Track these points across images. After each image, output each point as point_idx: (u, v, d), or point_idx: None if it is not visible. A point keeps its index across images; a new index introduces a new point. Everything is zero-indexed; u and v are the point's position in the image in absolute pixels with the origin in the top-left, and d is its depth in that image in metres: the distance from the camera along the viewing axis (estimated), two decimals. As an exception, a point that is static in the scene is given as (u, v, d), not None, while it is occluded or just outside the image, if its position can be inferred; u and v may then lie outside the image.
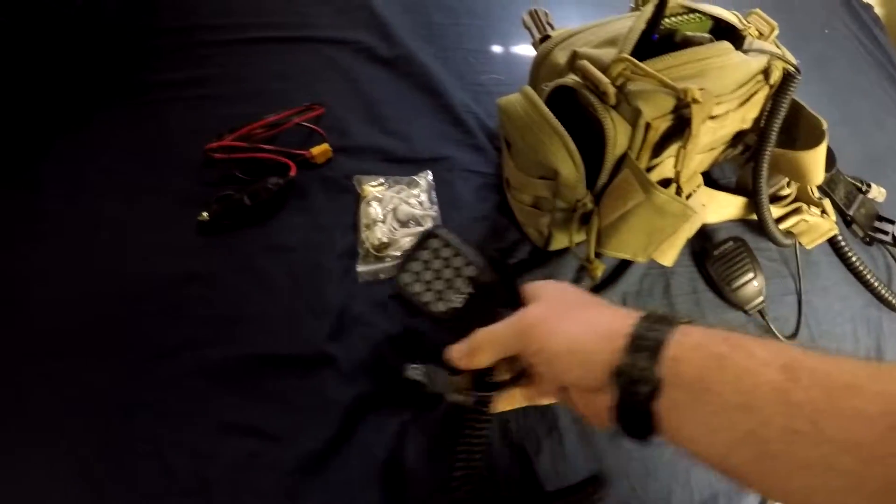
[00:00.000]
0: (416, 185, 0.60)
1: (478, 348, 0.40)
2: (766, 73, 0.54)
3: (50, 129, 0.62)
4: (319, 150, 0.61)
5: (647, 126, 0.47)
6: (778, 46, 0.62)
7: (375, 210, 0.58)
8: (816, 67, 0.94)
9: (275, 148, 0.61)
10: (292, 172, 0.60)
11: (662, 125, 0.48)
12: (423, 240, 0.47)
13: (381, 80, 0.67)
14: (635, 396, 0.31)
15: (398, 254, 0.57)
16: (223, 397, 0.48)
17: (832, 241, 0.76)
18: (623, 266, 0.62)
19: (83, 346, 0.50)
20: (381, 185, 0.60)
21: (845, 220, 0.79)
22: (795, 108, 0.58)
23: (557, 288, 0.42)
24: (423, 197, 0.60)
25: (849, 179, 0.81)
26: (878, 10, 1.10)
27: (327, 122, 0.63)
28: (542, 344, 0.37)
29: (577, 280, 0.60)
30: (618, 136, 0.47)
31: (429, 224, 0.58)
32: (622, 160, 0.50)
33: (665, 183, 0.53)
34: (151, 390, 0.48)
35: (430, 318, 0.44)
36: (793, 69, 0.55)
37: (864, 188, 0.81)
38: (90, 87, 0.65)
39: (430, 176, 0.61)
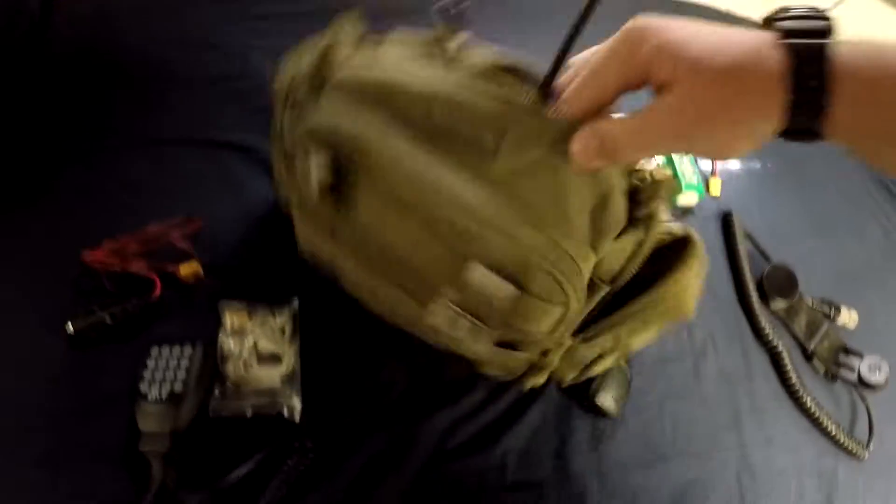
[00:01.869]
0: (282, 314, 0.56)
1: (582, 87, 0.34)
2: None
3: None
4: (188, 269, 0.58)
5: None
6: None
7: (231, 344, 0.54)
8: (790, 166, 0.84)
9: (144, 264, 0.58)
10: (156, 293, 0.57)
11: None
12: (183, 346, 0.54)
13: (268, 191, 0.63)
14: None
15: (257, 391, 0.53)
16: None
17: (785, 383, 0.68)
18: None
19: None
20: (244, 313, 0.55)
21: (805, 354, 0.70)
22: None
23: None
24: (289, 331, 0.55)
25: (813, 306, 0.71)
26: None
27: (204, 236, 0.59)
28: (664, 38, 0.30)
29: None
30: None
31: (286, 364, 0.54)
32: None
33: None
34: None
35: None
36: None
37: (832, 313, 0.71)
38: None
39: (295, 304, 0.56)
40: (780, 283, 0.70)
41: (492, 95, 0.39)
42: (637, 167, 0.41)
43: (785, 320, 0.70)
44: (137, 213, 0.60)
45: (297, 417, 0.52)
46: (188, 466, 0.50)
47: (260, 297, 0.56)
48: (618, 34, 0.31)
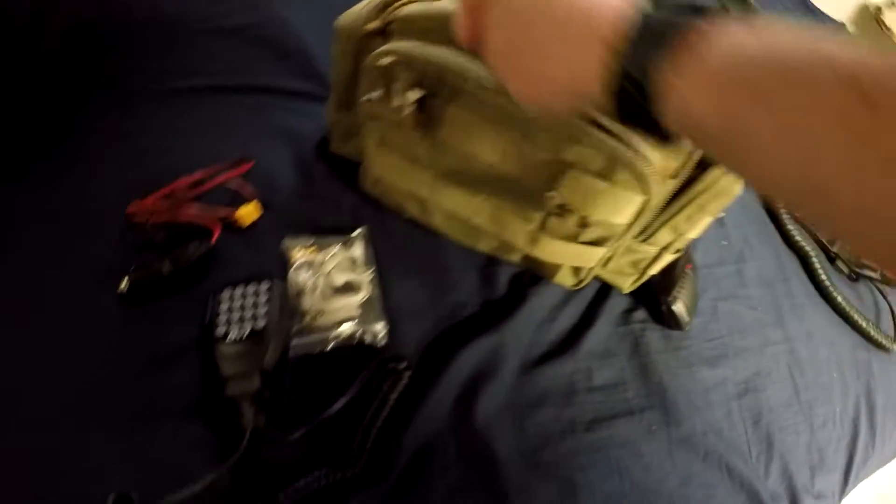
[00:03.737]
0: (352, 244, 0.55)
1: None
2: None
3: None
4: (245, 210, 0.56)
5: None
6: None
7: (304, 277, 0.53)
8: None
9: (197, 211, 0.56)
10: (214, 238, 0.55)
11: None
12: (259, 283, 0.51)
13: (313, 131, 0.62)
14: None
15: (337, 321, 0.52)
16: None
17: (817, 282, 0.71)
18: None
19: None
20: (312, 247, 0.54)
21: (829, 256, 0.74)
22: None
23: None
24: (361, 257, 0.55)
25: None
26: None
27: (257, 178, 0.58)
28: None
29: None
30: None
31: (364, 291, 0.53)
32: None
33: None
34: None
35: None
36: None
37: (847, 220, 0.76)
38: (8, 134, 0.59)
39: (364, 231, 0.56)
40: (800, 190, 0.74)
41: None
42: None
43: (808, 226, 0.74)
44: (181, 162, 0.58)
45: (380, 342, 0.52)
46: (279, 408, 0.48)
47: (325, 232, 0.56)
48: None
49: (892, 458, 0.70)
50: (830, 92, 0.20)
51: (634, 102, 0.26)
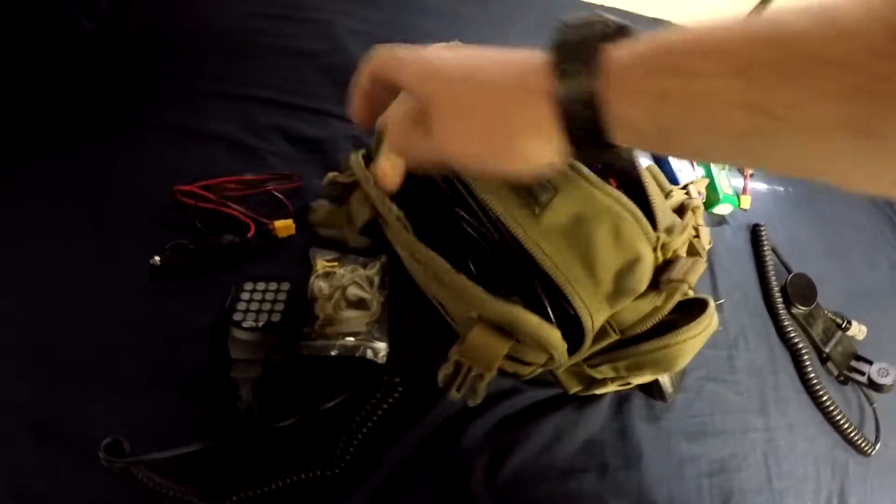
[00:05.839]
0: (372, 266, 0.59)
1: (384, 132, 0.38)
2: None
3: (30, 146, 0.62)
4: (282, 224, 0.60)
5: None
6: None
7: (322, 286, 0.57)
8: (810, 194, 0.93)
9: (240, 208, 0.61)
10: (250, 233, 0.59)
11: None
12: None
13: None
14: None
15: (343, 333, 0.56)
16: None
17: (805, 379, 0.74)
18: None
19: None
20: (335, 261, 0.59)
21: (821, 357, 0.77)
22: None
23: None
24: (377, 280, 0.59)
25: (829, 315, 0.79)
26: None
27: (302, 195, 0.63)
28: (438, 74, 0.31)
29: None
30: None
31: (373, 310, 0.57)
32: None
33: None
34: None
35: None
36: None
37: (843, 324, 0.79)
38: (77, 115, 0.65)
39: (384, 259, 0.60)
40: (801, 289, 0.77)
41: None
42: (670, 245, 0.43)
43: (804, 324, 0.77)
44: (230, 165, 0.63)
45: (380, 359, 0.55)
46: (275, 398, 0.52)
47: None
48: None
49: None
50: (727, 82, 0.23)
51: (583, 133, 0.28)
